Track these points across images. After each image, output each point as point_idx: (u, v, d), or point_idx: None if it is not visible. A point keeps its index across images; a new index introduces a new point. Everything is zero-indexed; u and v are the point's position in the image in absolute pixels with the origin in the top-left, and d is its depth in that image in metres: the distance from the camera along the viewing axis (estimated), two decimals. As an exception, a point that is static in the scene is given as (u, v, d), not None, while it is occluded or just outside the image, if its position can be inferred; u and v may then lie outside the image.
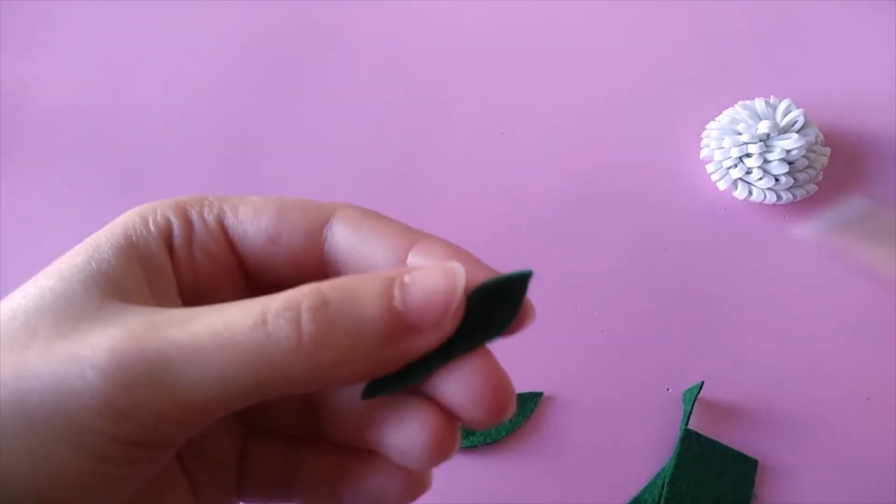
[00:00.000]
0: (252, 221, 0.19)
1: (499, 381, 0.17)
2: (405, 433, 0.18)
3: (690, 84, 0.50)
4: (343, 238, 0.19)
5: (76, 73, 0.51)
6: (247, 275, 0.20)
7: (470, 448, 0.38)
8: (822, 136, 0.45)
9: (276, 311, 0.16)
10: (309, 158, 0.47)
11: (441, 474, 0.38)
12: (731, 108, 0.45)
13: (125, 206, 0.20)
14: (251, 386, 0.15)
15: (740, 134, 0.43)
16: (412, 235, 0.19)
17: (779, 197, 0.43)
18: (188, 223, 0.19)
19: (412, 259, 0.19)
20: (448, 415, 0.18)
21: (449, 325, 0.17)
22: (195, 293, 0.19)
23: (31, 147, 0.48)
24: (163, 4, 0.54)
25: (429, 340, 0.17)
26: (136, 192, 0.46)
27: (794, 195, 0.43)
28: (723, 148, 0.43)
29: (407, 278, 0.17)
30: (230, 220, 0.19)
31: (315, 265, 0.20)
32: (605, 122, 0.48)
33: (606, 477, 0.37)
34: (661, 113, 0.48)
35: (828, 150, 0.44)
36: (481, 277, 0.18)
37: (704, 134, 0.46)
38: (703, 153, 0.45)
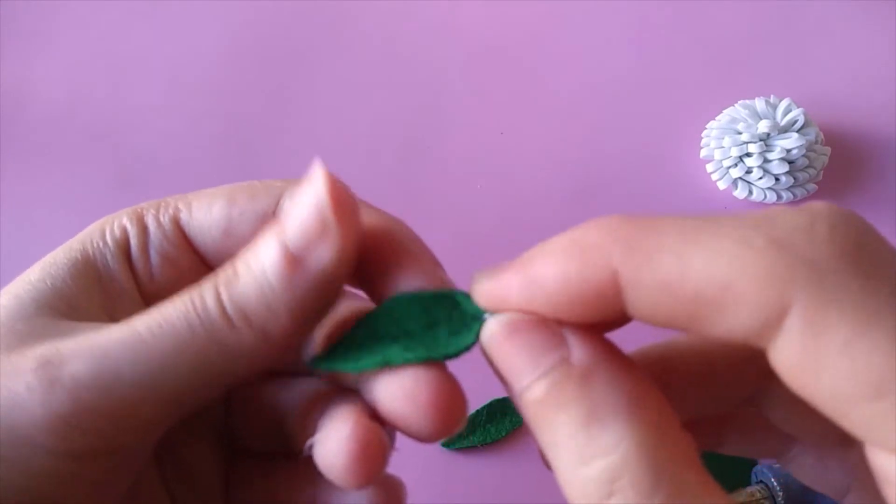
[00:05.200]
0: (206, 216, 0.18)
1: (445, 384, 0.16)
2: (329, 440, 0.16)
3: (690, 84, 0.50)
4: None
5: (76, 73, 0.51)
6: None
7: (470, 448, 0.38)
8: (822, 136, 0.45)
9: (198, 292, 0.16)
10: (308, 158, 0.47)
11: (441, 474, 0.38)
12: (732, 108, 0.45)
13: (125, 205, 0.19)
14: (195, 370, 0.15)
15: (740, 133, 0.43)
16: None
17: (779, 196, 0.43)
18: (144, 230, 0.19)
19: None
20: (375, 423, 0.16)
21: (335, 233, 0.15)
22: (160, 300, 0.18)
23: (31, 146, 0.48)
24: (162, 4, 0.54)
25: (327, 252, 0.15)
26: (136, 192, 0.46)
27: (794, 195, 0.43)
28: (723, 147, 0.43)
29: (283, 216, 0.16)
30: (185, 218, 0.19)
31: None
32: (605, 122, 0.48)
33: (607, 477, 0.37)
34: (662, 113, 0.48)
35: (828, 149, 0.44)
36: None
37: (704, 133, 0.46)
38: (704, 152, 0.45)
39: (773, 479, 0.35)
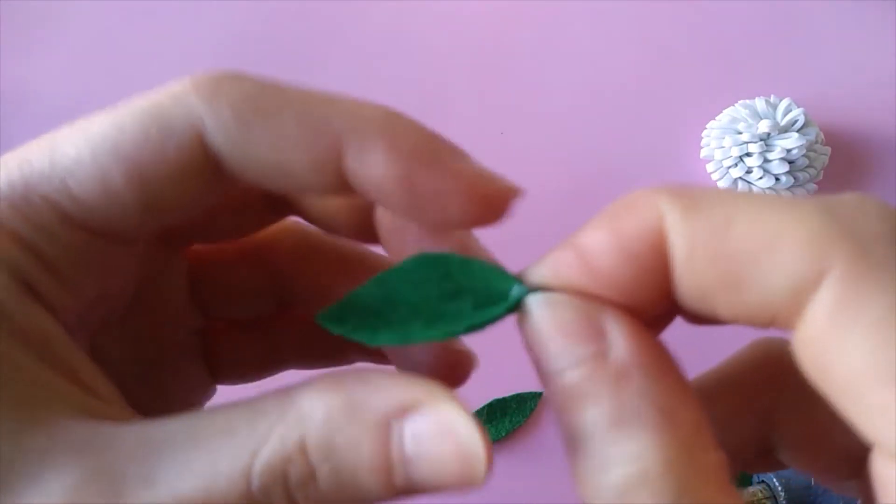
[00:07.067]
0: (92, 189, 0.15)
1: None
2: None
3: (690, 84, 0.50)
4: (233, 156, 0.15)
5: (77, 73, 0.51)
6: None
7: (470, 448, 0.38)
8: (822, 136, 0.45)
9: (262, 485, 0.13)
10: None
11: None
12: (732, 108, 0.45)
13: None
14: None
15: (741, 133, 0.43)
16: (335, 138, 0.15)
17: (779, 196, 0.43)
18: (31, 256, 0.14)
19: (354, 163, 0.15)
20: None
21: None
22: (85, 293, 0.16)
23: (31, 147, 0.48)
24: (163, 4, 0.54)
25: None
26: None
27: (794, 194, 0.43)
28: (723, 147, 0.43)
29: (408, 444, 0.13)
30: (67, 205, 0.15)
31: (194, 184, 0.15)
32: (605, 122, 0.48)
33: (607, 477, 0.37)
34: (662, 113, 0.48)
35: (828, 149, 0.44)
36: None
37: (705, 133, 0.46)
38: (704, 152, 0.45)
39: (774, 479, 0.35)
